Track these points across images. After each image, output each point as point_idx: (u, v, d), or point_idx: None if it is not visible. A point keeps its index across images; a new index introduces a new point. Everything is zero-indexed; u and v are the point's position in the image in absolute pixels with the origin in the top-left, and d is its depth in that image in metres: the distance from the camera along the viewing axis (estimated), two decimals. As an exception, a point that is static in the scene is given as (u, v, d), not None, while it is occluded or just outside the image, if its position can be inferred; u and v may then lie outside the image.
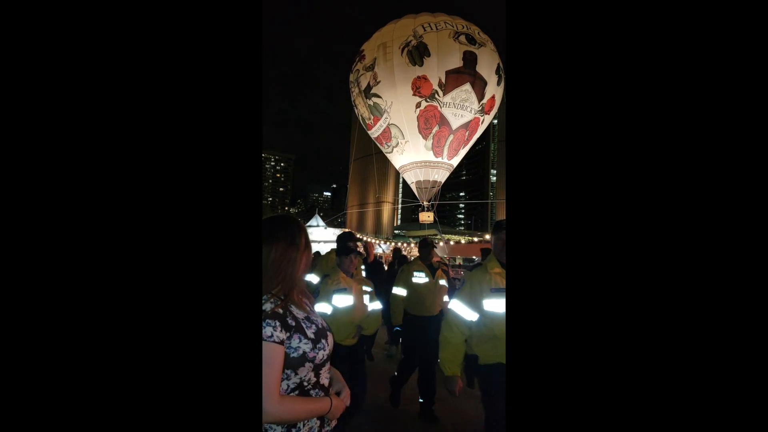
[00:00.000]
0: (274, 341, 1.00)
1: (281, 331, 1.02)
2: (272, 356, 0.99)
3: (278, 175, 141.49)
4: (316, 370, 1.10)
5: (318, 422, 1.10)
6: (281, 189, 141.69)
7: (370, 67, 11.11)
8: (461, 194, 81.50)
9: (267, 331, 1.00)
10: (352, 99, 12.31)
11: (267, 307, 1.04)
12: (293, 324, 1.06)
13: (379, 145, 12.61)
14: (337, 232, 18.48)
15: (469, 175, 78.33)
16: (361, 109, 12.06)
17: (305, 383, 1.08)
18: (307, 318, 1.12)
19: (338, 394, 1.18)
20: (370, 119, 11.92)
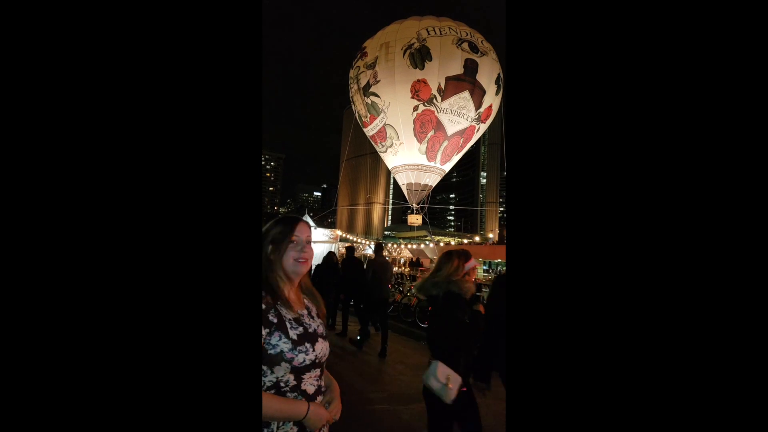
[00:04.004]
0: None
1: None
2: None
3: (268, 174, 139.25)
4: (297, 373, 1.08)
5: (296, 428, 1.07)
6: (271, 188, 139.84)
7: (371, 66, 11.08)
8: (451, 196, 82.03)
9: None
10: (351, 95, 12.25)
11: None
12: (275, 321, 1.07)
13: (373, 143, 12.60)
14: (327, 231, 18.21)
15: (459, 177, 78.85)
16: (359, 107, 12.03)
17: (282, 384, 1.06)
18: (297, 319, 1.11)
19: (328, 405, 1.16)
20: (366, 117, 11.90)
